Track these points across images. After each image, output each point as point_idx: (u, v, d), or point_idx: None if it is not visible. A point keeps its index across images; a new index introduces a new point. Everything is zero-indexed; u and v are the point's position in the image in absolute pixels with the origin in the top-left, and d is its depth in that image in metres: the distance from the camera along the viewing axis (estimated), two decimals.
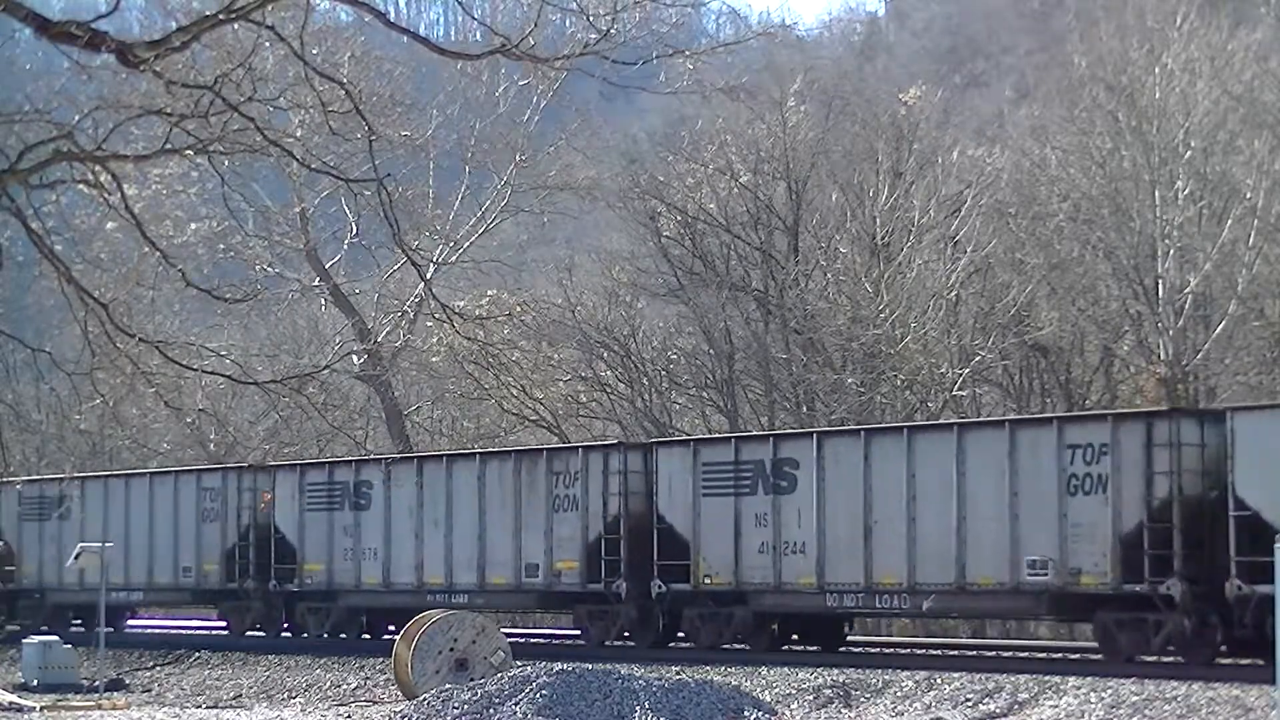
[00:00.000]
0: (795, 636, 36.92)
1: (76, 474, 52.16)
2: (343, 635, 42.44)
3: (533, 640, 40.97)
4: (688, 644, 36.86)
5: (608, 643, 37.28)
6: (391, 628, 40.26)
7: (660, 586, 36.24)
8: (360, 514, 41.54)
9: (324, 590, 42.53)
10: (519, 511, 38.80)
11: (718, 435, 43.62)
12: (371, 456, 48.92)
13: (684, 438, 42.14)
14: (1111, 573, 30.13)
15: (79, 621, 48.01)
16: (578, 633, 39.24)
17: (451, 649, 32.18)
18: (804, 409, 50.42)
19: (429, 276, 39.67)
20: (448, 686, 29.16)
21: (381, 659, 36.57)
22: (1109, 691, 27.82)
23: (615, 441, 42.56)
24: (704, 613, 35.94)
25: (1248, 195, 45.92)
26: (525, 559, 38.68)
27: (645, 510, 36.93)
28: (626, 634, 37.58)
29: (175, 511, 45.90)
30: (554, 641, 40.67)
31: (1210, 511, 29.48)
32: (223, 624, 46.57)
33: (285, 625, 44.17)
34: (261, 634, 44.59)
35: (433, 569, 40.23)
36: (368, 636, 42.38)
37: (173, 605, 48.98)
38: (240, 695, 37.73)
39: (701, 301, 52.19)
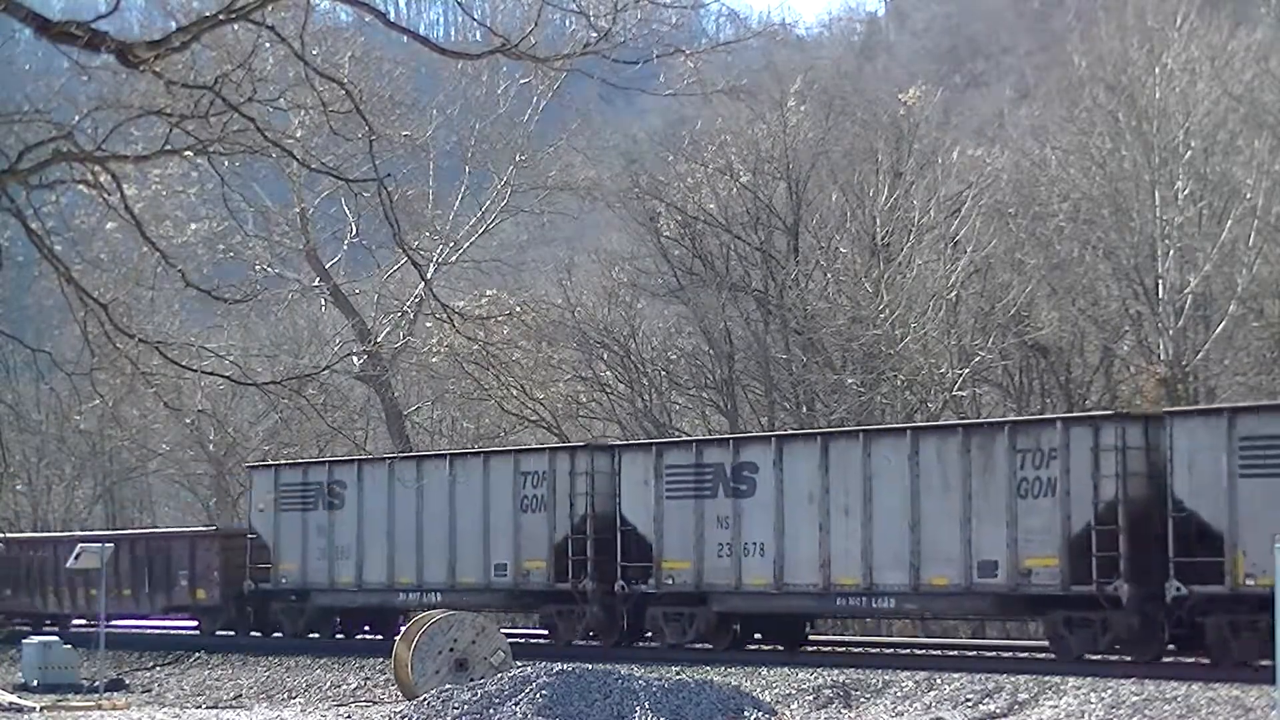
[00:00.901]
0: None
1: (350, 457, 47.87)
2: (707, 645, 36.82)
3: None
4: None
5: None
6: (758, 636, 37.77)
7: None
8: (740, 502, 35.46)
9: (690, 592, 36.47)
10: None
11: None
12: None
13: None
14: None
15: (367, 628, 44.14)
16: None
17: (451, 649, 32.20)
18: (804, 409, 50.41)
19: (429, 276, 39.65)
20: (448, 687, 29.18)
21: (381, 659, 36.58)
22: (1109, 691, 27.83)
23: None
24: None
25: (1248, 195, 45.91)
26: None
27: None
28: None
29: (485, 498, 39.60)
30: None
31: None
32: (543, 632, 40.30)
33: (638, 633, 38.25)
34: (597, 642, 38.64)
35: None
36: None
37: (479, 609, 37.90)
38: (240, 695, 37.76)
39: (701, 301, 52.17)
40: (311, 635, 43.01)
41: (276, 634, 44.12)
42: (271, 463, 48.10)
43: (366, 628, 44.02)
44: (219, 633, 46.03)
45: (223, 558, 45.37)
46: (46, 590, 50.04)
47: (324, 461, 45.60)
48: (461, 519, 39.88)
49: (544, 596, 38.99)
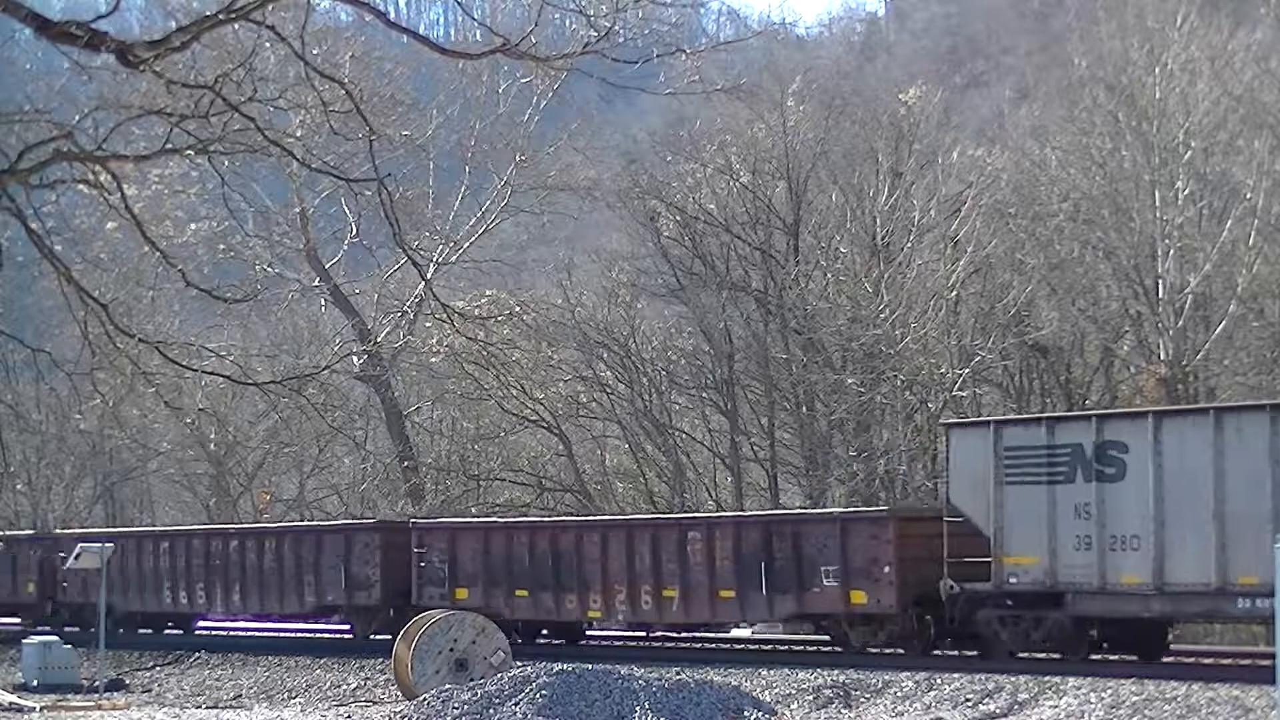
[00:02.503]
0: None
1: (1139, 409, 36.17)
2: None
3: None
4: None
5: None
6: None
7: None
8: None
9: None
10: None
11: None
12: None
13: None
14: None
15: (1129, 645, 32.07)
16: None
17: (451, 649, 32.20)
18: (804, 409, 50.42)
19: (429, 276, 39.66)
20: (448, 687, 29.18)
21: (381, 659, 36.57)
22: (1109, 691, 27.84)
23: None
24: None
25: (1248, 195, 45.90)
26: None
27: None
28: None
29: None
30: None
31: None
32: None
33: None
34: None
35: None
36: None
37: None
38: (240, 695, 37.75)
39: (701, 301, 52.17)
40: (1050, 656, 31.77)
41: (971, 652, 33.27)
42: (989, 419, 36.52)
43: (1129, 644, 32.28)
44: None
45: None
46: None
47: (1082, 416, 33.92)
48: None
49: None
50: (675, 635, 39.38)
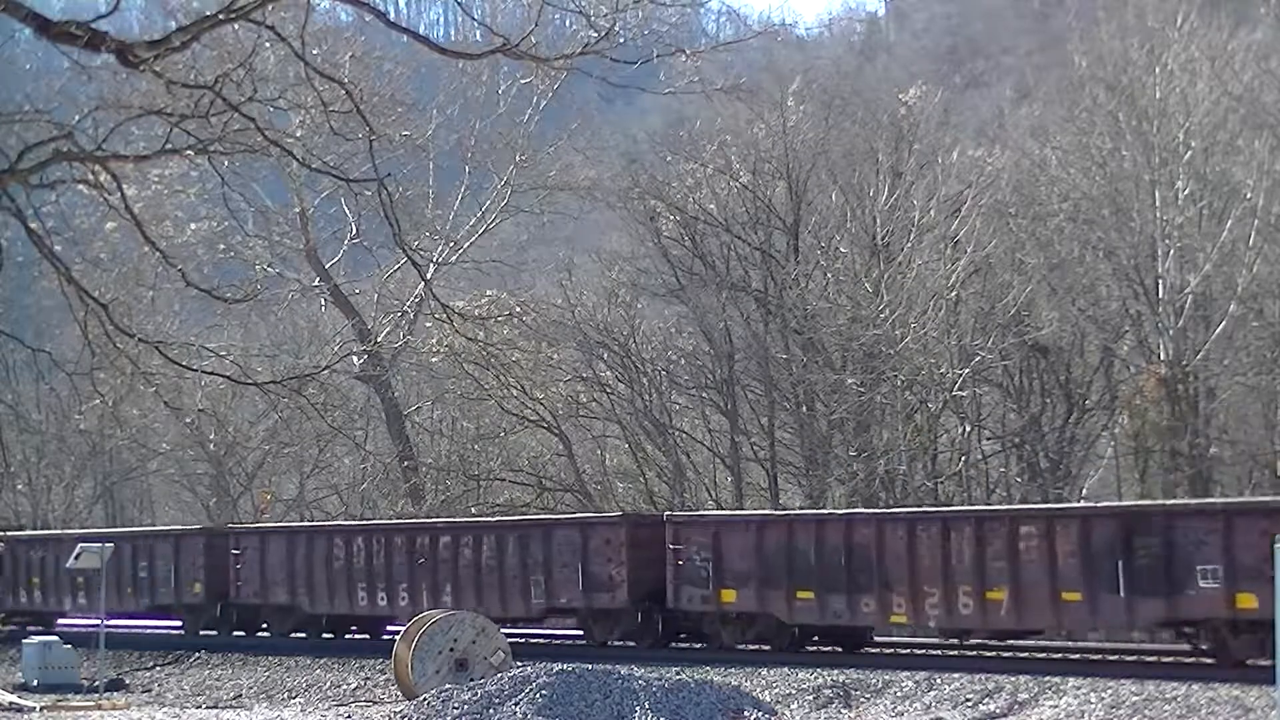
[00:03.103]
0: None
1: None
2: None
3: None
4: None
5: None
6: None
7: None
8: None
9: None
10: None
11: None
12: None
13: None
14: None
15: None
16: None
17: (451, 649, 32.19)
18: (804, 409, 50.41)
19: (429, 276, 39.66)
20: (448, 687, 29.17)
21: (381, 659, 36.57)
22: (1109, 691, 27.84)
23: None
24: None
25: (1248, 195, 45.91)
26: None
27: None
28: None
29: None
30: None
31: None
32: None
33: None
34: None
35: None
36: None
37: None
38: (240, 695, 37.74)
39: (701, 301, 52.16)
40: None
41: None
42: None
43: None
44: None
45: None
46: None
47: None
48: None
49: None
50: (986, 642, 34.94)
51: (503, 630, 33.52)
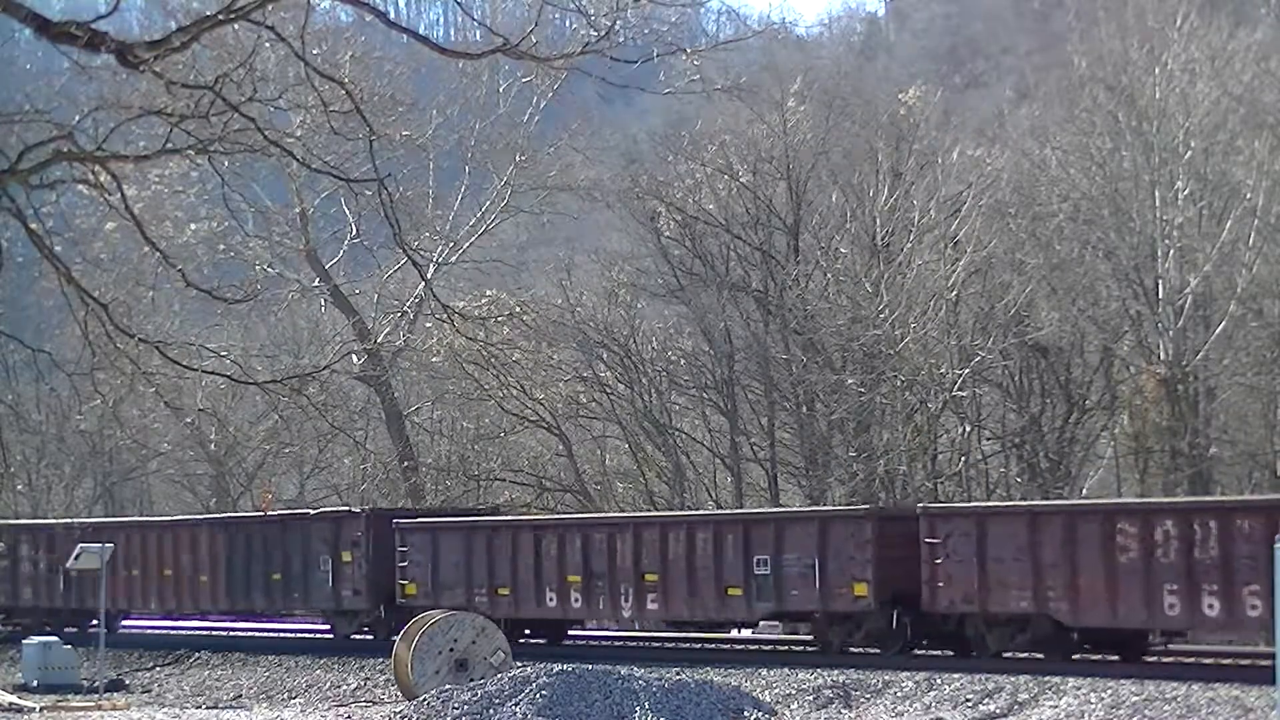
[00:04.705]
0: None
1: None
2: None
3: None
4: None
5: None
6: None
7: None
8: None
9: None
10: None
11: None
12: None
13: None
14: None
15: None
16: None
17: (451, 649, 32.18)
18: (804, 409, 50.42)
19: (429, 276, 39.66)
20: (448, 687, 29.18)
21: (381, 659, 36.56)
22: (1109, 691, 27.83)
23: None
24: None
25: (1248, 195, 45.93)
26: None
27: None
28: None
29: None
30: None
31: None
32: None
33: None
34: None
35: None
36: None
37: None
38: (240, 695, 37.74)
39: (701, 302, 52.18)
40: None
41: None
42: None
43: None
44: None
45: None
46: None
47: None
48: None
49: None
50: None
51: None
